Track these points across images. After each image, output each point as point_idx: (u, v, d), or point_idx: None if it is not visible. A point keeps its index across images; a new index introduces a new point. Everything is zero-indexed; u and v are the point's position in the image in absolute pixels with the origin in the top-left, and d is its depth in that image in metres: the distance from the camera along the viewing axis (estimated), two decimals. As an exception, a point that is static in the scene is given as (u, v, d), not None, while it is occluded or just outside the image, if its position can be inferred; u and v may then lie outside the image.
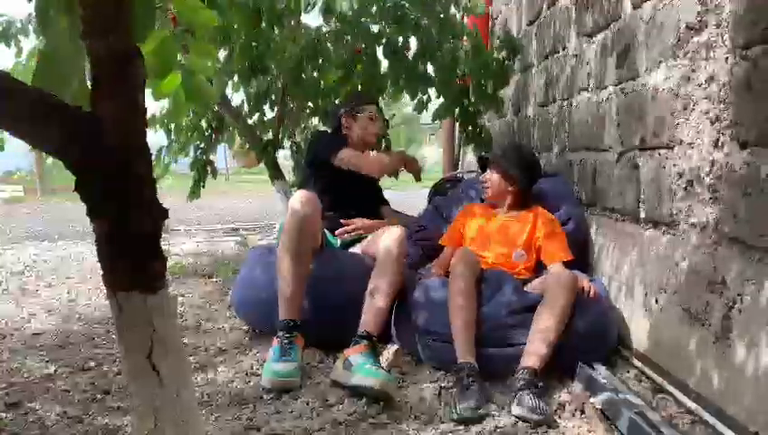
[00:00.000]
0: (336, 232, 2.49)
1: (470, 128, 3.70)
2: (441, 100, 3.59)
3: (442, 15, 3.30)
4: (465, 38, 3.38)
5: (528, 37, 3.45)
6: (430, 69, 3.41)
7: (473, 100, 3.56)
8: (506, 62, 3.47)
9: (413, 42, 3.36)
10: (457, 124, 4.26)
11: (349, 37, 3.29)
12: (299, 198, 2.20)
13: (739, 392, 1.47)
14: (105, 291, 0.91)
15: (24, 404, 1.82)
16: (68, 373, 2.08)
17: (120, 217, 0.84)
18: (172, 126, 3.90)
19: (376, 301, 2.10)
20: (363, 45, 3.26)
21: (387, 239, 2.22)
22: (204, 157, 4.05)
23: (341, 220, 2.52)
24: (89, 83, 0.93)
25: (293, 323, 2.08)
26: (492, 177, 2.45)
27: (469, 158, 5.85)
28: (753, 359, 1.42)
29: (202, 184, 4.12)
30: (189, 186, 4.14)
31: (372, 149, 2.74)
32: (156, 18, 1.08)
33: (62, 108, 0.79)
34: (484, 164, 2.59)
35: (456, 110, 3.61)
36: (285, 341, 2.01)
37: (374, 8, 3.22)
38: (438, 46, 3.27)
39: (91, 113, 0.82)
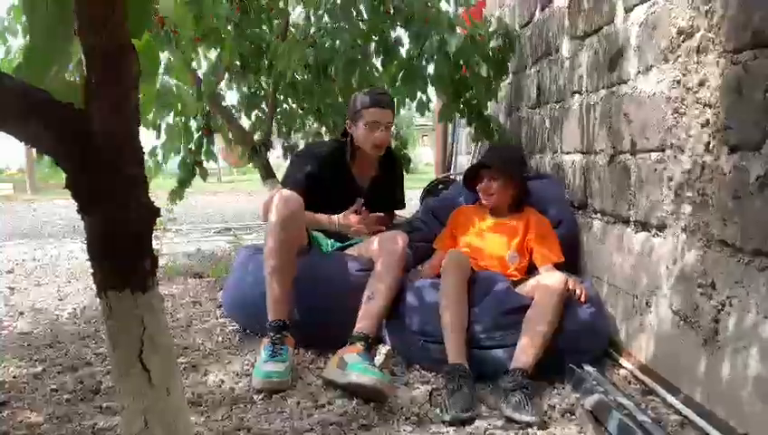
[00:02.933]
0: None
1: (477, 122, 3.55)
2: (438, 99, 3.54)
3: (433, 9, 3.24)
4: (459, 29, 3.30)
5: (521, 40, 3.46)
6: (426, 67, 3.38)
7: (473, 91, 3.44)
8: (503, 51, 3.36)
9: (405, 38, 3.33)
10: (462, 120, 4.17)
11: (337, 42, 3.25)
12: (281, 197, 2.19)
13: (728, 394, 1.48)
14: (95, 290, 0.90)
15: (11, 404, 1.80)
16: (56, 373, 2.06)
17: (111, 215, 0.84)
18: (163, 126, 3.87)
19: (374, 303, 2.10)
20: (356, 42, 3.22)
21: (389, 244, 2.22)
22: (193, 158, 4.01)
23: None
24: (77, 79, 0.92)
25: (283, 324, 2.07)
26: (495, 184, 2.36)
27: (461, 159, 5.86)
28: (742, 361, 1.43)
29: (187, 185, 4.07)
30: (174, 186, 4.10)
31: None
32: (151, 15, 1.07)
33: (52, 105, 0.78)
34: (472, 175, 2.48)
35: (461, 105, 3.51)
36: (276, 341, 2.00)
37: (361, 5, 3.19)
38: (427, 39, 3.17)
39: (83, 110, 0.82)
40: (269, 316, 2.09)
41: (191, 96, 3.52)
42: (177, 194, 4.09)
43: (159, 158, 3.97)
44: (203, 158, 4.05)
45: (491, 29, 3.34)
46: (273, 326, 2.06)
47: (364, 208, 2.45)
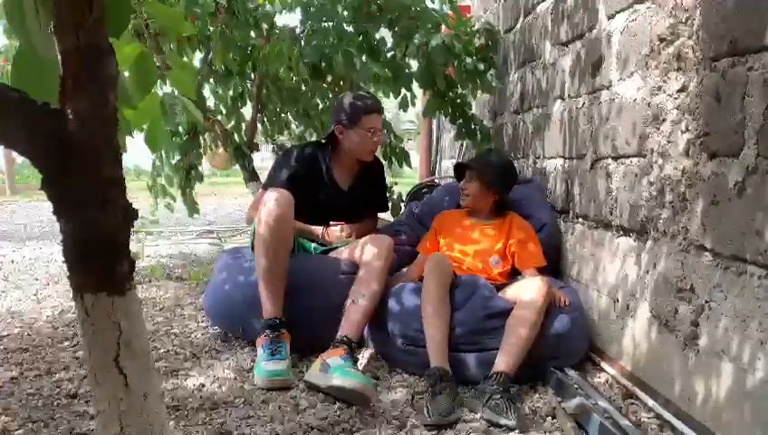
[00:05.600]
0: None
1: (461, 121, 3.55)
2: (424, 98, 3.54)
3: (418, 9, 3.22)
4: (444, 27, 3.28)
5: (505, 45, 3.48)
6: (411, 65, 3.36)
7: (459, 90, 3.45)
8: (488, 50, 3.41)
9: (388, 38, 3.33)
10: (447, 125, 4.16)
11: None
12: (273, 196, 2.18)
13: (707, 398, 1.50)
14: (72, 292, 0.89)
15: (-14, 408, 1.77)
16: (33, 377, 2.03)
17: (87, 217, 0.82)
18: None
19: (358, 307, 2.09)
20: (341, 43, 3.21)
21: (374, 247, 2.22)
22: (184, 163, 3.95)
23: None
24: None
25: (279, 321, 2.08)
26: (471, 185, 2.43)
27: (446, 163, 5.88)
28: (720, 365, 1.45)
29: (192, 189, 4.00)
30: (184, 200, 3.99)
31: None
32: (130, 16, 1.06)
33: (27, 103, 0.77)
34: (460, 171, 2.56)
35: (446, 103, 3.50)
36: (273, 339, 2.01)
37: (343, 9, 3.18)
38: (410, 39, 3.16)
39: (59, 110, 0.81)
40: (263, 314, 2.10)
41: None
42: (193, 205, 3.97)
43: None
44: (194, 161, 4.00)
45: (475, 28, 3.36)
46: (270, 324, 2.06)
47: (344, 223, 2.48)
